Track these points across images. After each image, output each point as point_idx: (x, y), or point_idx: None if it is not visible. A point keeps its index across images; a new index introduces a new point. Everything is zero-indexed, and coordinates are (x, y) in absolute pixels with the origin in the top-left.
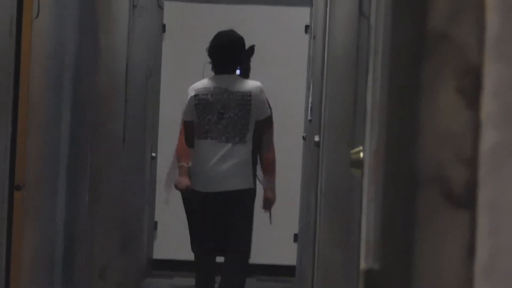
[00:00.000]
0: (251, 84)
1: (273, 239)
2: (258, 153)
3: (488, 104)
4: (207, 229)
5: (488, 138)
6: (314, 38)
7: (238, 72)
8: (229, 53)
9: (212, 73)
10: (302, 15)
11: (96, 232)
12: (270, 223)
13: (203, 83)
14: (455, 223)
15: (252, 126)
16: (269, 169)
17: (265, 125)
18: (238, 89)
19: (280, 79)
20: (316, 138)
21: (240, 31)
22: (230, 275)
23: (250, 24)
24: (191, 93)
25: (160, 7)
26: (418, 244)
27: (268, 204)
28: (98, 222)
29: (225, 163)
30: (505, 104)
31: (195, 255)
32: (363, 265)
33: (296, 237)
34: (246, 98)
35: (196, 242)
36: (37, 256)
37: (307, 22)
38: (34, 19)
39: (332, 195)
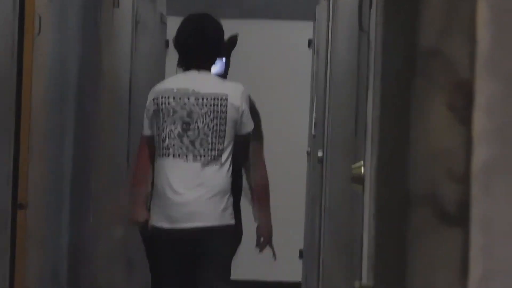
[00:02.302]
0: (229, 85)
1: (278, 255)
2: (241, 176)
3: (480, 121)
4: (171, 277)
5: (480, 154)
6: (317, 53)
7: (217, 70)
8: (202, 43)
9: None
10: (305, 29)
11: (100, 253)
12: (274, 259)
13: (165, 83)
14: (448, 241)
15: (230, 141)
16: (261, 197)
17: (251, 141)
18: (210, 91)
19: (284, 93)
20: (320, 154)
21: (244, 46)
22: None
23: (253, 39)
24: (150, 96)
25: (163, 22)
26: (412, 261)
27: (263, 242)
28: (102, 242)
29: (192, 190)
30: (497, 120)
31: None
32: (364, 281)
33: (301, 254)
34: (221, 104)
35: None
36: (40, 276)
37: (310, 36)
38: (36, 36)
39: (335, 210)
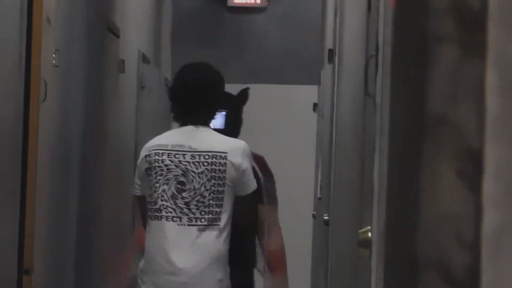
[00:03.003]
0: (229, 142)
1: None
2: (254, 243)
3: (489, 186)
4: None
5: (490, 220)
6: (322, 116)
7: (217, 125)
8: (199, 94)
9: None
10: (310, 93)
11: None
12: None
13: (159, 139)
14: None
15: (229, 204)
16: (276, 265)
17: (264, 205)
18: (208, 148)
19: (290, 156)
20: (326, 217)
21: (250, 109)
22: None
23: (260, 103)
24: (142, 153)
25: (168, 87)
26: None
27: None
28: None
29: (186, 257)
30: (506, 186)
31: None
32: None
33: None
34: (220, 162)
35: None
36: None
37: (316, 100)
38: (42, 102)
39: (341, 274)
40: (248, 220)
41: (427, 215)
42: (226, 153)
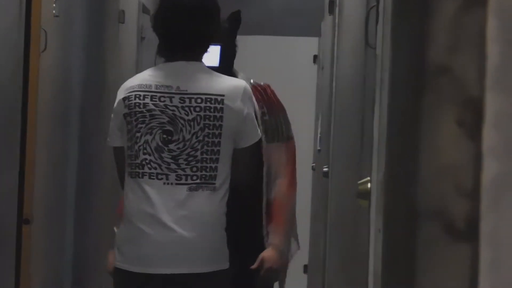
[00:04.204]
0: (227, 82)
1: None
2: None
3: (489, 136)
4: None
5: (490, 169)
6: (322, 68)
7: (211, 62)
8: (188, 24)
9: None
10: (310, 45)
11: (105, 266)
12: None
13: (140, 77)
14: (456, 256)
15: (227, 158)
16: (273, 219)
17: (273, 143)
18: (201, 90)
19: (289, 108)
20: (325, 169)
21: (249, 61)
22: None
23: (259, 54)
24: (119, 95)
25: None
26: (420, 277)
27: (269, 274)
28: (106, 256)
29: (175, 222)
30: (506, 136)
31: None
32: None
33: (306, 268)
34: (215, 107)
35: None
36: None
37: (316, 52)
38: (42, 52)
39: (340, 226)
40: (252, 178)
41: (427, 165)
42: (223, 95)
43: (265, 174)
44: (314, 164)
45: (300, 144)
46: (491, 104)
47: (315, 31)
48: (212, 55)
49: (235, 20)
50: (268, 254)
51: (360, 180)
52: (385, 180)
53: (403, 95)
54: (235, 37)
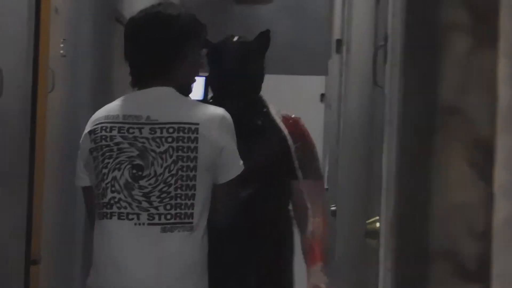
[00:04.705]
0: (202, 110)
1: None
2: (291, 226)
3: (500, 176)
4: None
5: (501, 210)
6: (329, 107)
7: (193, 94)
8: (153, 50)
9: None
10: (317, 83)
11: None
12: None
13: (108, 108)
14: None
15: (204, 194)
16: (311, 256)
17: (304, 181)
18: (172, 119)
19: None
20: (333, 208)
21: None
22: None
23: (265, 93)
24: (86, 128)
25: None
26: None
27: None
28: None
29: (147, 267)
30: None
31: None
32: None
33: None
34: (189, 137)
35: None
36: None
37: (323, 90)
38: (49, 92)
39: (348, 265)
40: (233, 219)
41: (438, 205)
42: (197, 124)
43: (296, 209)
44: None
45: None
46: (502, 145)
47: (322, 70)
48: (198, 88)
49: (264, 41)
50: None
51: (367, 219)
52: (394, 219)
53: (412, 135)
54: (264, 59)
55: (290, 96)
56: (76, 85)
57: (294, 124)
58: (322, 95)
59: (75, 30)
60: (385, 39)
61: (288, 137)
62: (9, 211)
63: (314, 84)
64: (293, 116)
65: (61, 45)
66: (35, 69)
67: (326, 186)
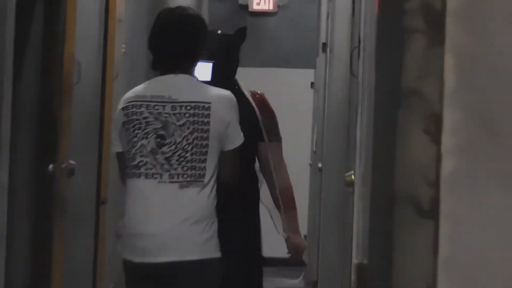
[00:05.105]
0: (213, 92)
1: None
2: (255, 182)
3: (447, 141)
4: None
5: (447, 166)
6: (317, 92)
7: (204, 76)
8: (175, 41)
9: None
10: (308, 75)
11: None
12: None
13: (137, 90)
14: (423, 230)
15: (214, 159)
16: (287, 204)
17: (269, 143)
18: (190, 98)
19: (293, 122)
20: (319, 165)
21: (261, 87)
22: None
23: (269, 82)
24: (119, 106)
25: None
26: (396, 245)
27: (297, 252)
28: None
29: (168, 216)
30: (459, 140)
31: None
32: (355, 260)
33: (305, 237)
34: (203, 113)
35: None
36: (112, 257)
37: (312, 80)
38: (114, 79)
39: (331, 207)
40: (235, 178)
41: (401, 162)
42: (210, 103)
43: (263, 165)
44: (311, 162)
45: (300, 147)
46: (448, 117)
47: (312, 64)
48: (205, 71)
49: (242, 34)
50: (297, 240)
51: (346, 173)
52: (365, 173)
53: (381, 112)
54: (239, 49)
55: (288, 84)
56: (134, 74)
57: (260, 99)
58: (312, 83)
59: (133, 35)
60: (359, 41)
61: (256, 109)
62: (84, 164)
63: (306, 75)
64: (259, 92)
65: (123, 45)
66: (104, 62)
67: (314, 150)
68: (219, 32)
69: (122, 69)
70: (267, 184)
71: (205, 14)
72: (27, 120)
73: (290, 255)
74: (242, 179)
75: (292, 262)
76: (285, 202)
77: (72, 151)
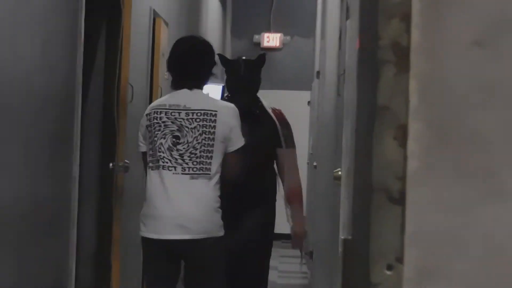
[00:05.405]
0: (219, 103)
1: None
2: (275, 181)
3: (411, 146)
4: (160, 280)
5: (412, 165)
6: (313, 109)
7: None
8: (189, 63)
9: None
10: (305, 95)
11: None
12: (301, 257)
13: (159, 100)
14: (393, 213)
15: (219, 157)
16: (293, 201)
17: (285, 149)
18: (200, 107)
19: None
20: (315, 164)
21: (270, 102)
22: None
23: (273, 102)
24: (145, 113)
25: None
26: (373, 224)
27: (297, 240)
28: None
29: (180, 201)
30: (421, 145)
31: None
32: (341, 236)
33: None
34: (210, 119)
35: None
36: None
37: (309, 99)
38: (129, 103)
39: (323, 196)
40: (237, 173)
41: (377, 161)
42: (216, 111)
43: (280, 166)
44: (308, 161)
45: (299, 150)
46: (412, 127)
47: (308, 87)
48: (217, 92)
49: (262, 59)
50: (299, 230)
51: (335, 170)
52: (350, 169)
53: (361, 123)
54: (260, 71)
55: (290, 101)
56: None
57: (279, 113)
58: (309, 102)
59: None
60: (344, 70)
61: (276, 121)
62: (135, 161)
63: (304, 95)
64: (278, 108)
65: (166, 73)
66: (151, 86)
67: (311, 152)
68: (243, 58)
69: (165, 91)
70: (281, 182)
71: (228, 49)
72: (93, 128)
73: (292, 240)
74: (265, 175)
75: (293, 247)
76: (292, 197)
77: (127, 153)
